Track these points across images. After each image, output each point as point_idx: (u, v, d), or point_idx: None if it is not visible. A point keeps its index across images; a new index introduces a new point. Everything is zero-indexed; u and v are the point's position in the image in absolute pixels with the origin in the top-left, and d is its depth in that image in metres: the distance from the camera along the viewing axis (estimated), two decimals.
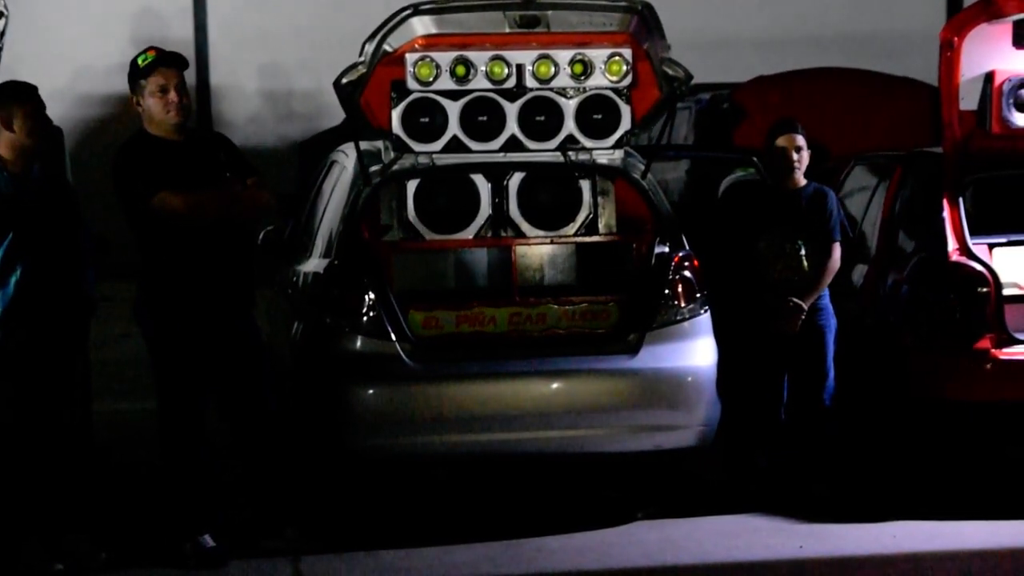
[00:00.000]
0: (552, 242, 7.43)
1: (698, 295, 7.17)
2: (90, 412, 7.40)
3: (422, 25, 7.18)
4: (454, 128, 7.23)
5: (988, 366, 7.29)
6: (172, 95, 6.57)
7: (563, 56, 7.21)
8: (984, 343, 7.30)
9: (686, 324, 7.13)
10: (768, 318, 7.51)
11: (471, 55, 7.17)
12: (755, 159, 8.54)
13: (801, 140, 7.58)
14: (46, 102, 6.62)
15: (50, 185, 6.63)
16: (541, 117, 7.27)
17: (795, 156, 7.56)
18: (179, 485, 6.64)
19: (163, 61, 6.60)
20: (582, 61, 7.21)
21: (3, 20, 6.92)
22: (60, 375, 6.56)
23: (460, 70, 7.17)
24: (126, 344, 10.52)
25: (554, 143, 7.32)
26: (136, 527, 7.07)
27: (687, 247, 7.27)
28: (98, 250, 6.95)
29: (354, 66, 7.16)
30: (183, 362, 6.61)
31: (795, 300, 7.44)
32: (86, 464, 7.09)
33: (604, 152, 7.36)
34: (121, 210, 6.63)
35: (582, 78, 7.24)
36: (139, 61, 6.62)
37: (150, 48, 6.69)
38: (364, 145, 7.41)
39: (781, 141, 7.57)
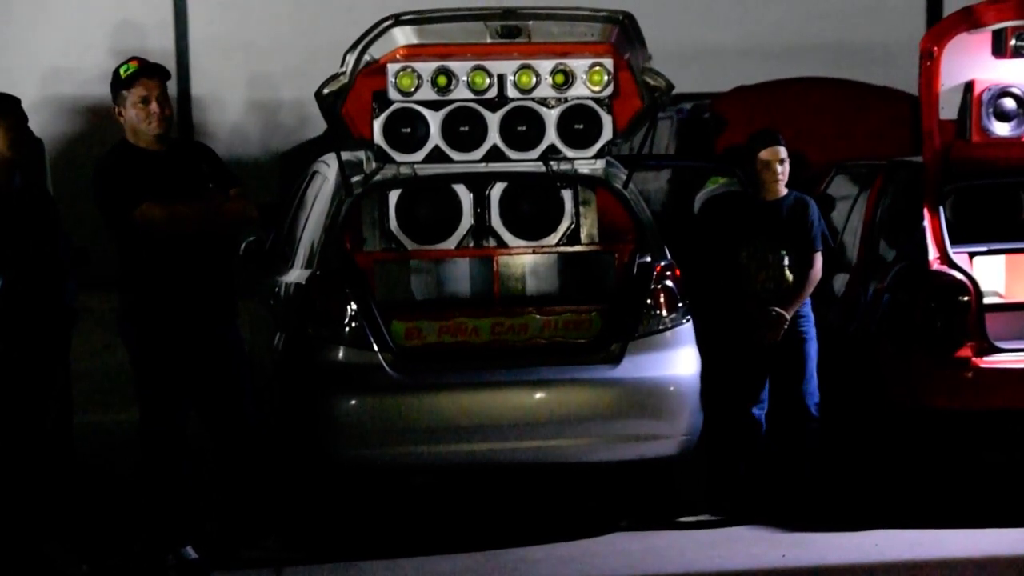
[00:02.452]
0: (534, 252, 7.43)
1: (680, 304, 7.18)
2: (71, 423, 7.38)
3: (403, 35, 7.19)
4: (436, 138, 7.23)
5: (969, 374, 7.31)
6: (153, 106, 6.57)
7: (545, 66, 7.22)
8: (965, 351, 7.32)
9: (668, 334, 7.14)
10: (750, 327, 7.52)
11: (452, 65, 7.18)
12: (735, 168, 8.56)
13: (783, 152, 7.60)
14: (28, 111, 6.60)
15: (30, 196, 6.62)
16: (523, 127, 7.27)
17: (779, 168, 7.57)
18: (160, 496, 6.62)
19: (145, 72, 6.60)
20: (563, 71, 7.22)
21: None
22: (41, 386, 6.54)
23: (441, 80, 7.17)
24: (107, 356, 10.50)
25: (536, 153, 7.32)
26: (118, 539, 7.04)
27: (668, 257, 7.28)
28: (78, 261, 6.93)
29: (335, 76, 7.16)
30: (165, 373, 6.59)
31: (777, 310, 7.46)
32: (68, 475, 7.07)
33: (586, 162, 7.37)
34: (102, 220, 6.61)
35: (563, 88, 7.25)
36: (121, 72, 6.62)
37: (132, 58, 6.69)
38: (346, 155, 7.41)
39: (765, 154, 7.57)
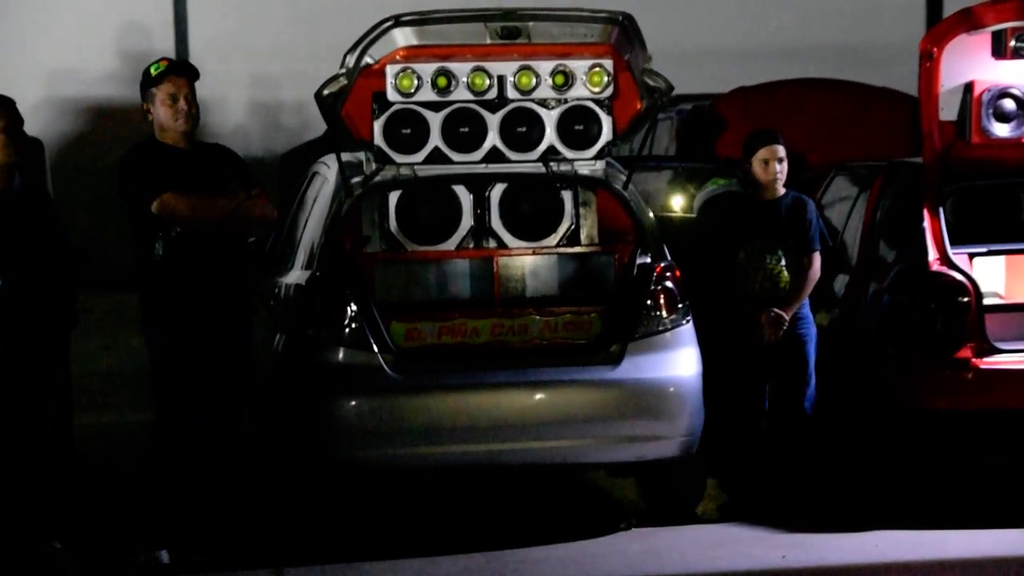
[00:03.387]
0: (534, 253, 7.43)
1: (680, 305, 7.18)
2: (72, 424, 7.39)
3: (403, 37, 7.19)
4: (435, 139, 7.24)
5: (969, 375, 7.31)
6: (181, 103, 6.63)
7: (544, 67, 7.22)
8: (964, 352, 7.32)
9: (668, 335, 7.14)
10: (749, 328, 7.52)
11: (452, 66, 7.18)
12: (735, 170, 8.56)
13: (782, 151, 7.60)
14: (27, 113, 6.62)
15: (30, 198, 6.62)
16: (522, 128, 7.28)
17: (777, 168, 7.58)
18: (159, 496, 6.60)
19: (174, 69, 6.68)
20: (563, 72, 7.22)
21: None
22: (42, 387, 6.55)
23: (441, 81, 7.18)
24: (107, 356, 10.50)
25: (535, 154, 7.32)
26: (118, 539, 7.04)
27: (668, 257, 7.28)
28: (79, 262, 6.94)
29: (335, 78, 7.17)
30: (186, 373, 6.59)
31: (776, 311, 7.46)
32: (68, 476, 7.07)
33: (586, 163, 7.37)
34: (124, 213, 6.64)
35: (563, 89, 7.25)
36: (151, 70, 6.71)
37: (163, 58, 6.80)
38: (346, 156, 7.41)
39: (763, 153, 7.58)
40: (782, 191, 7.66)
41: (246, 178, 6.79)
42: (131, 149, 6.73)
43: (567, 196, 7.46)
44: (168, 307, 6.60)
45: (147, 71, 6.72)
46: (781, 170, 7.59)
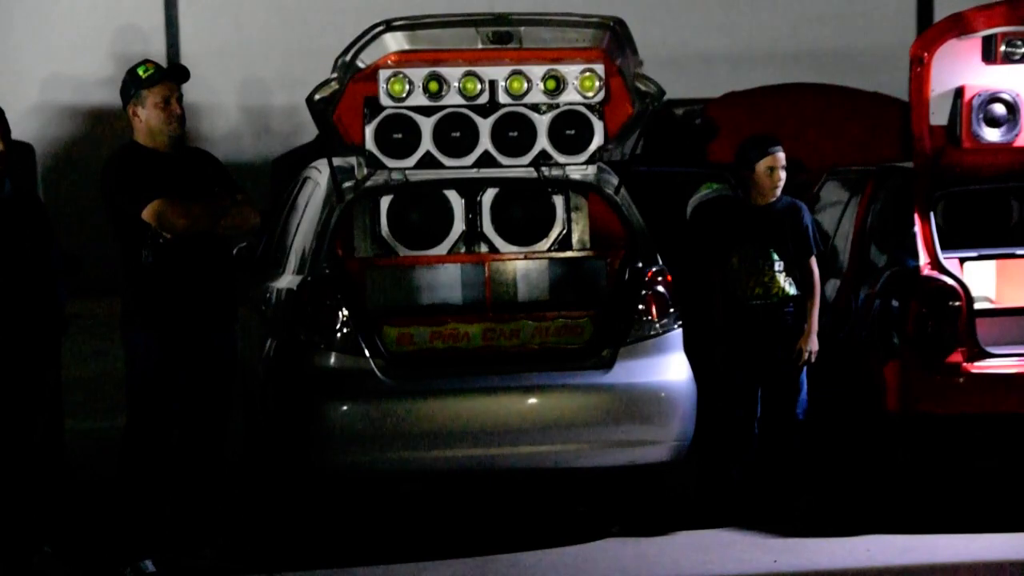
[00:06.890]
0: (525, 258, 7.43)
1: (671, 310, 7.19)
2: (62, 430, 7.37)
3: (395, 41, 7.19)
4: (427, 144, 7.24)
5: (960, 380, 7.33)
6: (174, 107, 6.60)
7: (536, 72, 7.23)
8: (956, 357, 7.33)
9: (659, 339, 7.15)
10: (741, 333, 7.52)
11: (444, 71, 7.18)
12: (728, 174, 8.56)
13: (784, 158, 7.58)
14: (19, 119, 6.61)
15: (21, 202, 6.61)
16: (514, 133, 7.28)
17: (782, 175, 7.56)
18: (133, 503, 6.57)
19: (169, 73, 6.63)
20: (555, 77, 7.23)
21: None
22: (32, 392, 6.54)
23: (433, 86, 7.18)
24: (98, 362, 10.49)
25: (527, 159, 7.32)
26: (111, 545, 7.03)
27: (660, 262, 7.28)
28: (70, 268, 6.93)
29: (327, 82, 7.17)
30: (162, 380, 6.58)
31: (811, 341, 7.43)
32: (58, 482, 7.06)
33: (577, 167, 7.38)
34: (110, 220, 6.61)
35: (555, 94, 7.25)
36: (140, 71, 6.62)
37: (146, 60, 6.71)
38: (337, 161, 7.40)
39: (769, 161, 7.54)
40: (777, 196, 7.66)
41: (229, 183, 6.78)
42: (115, 154, 6.68)
43: (558, 201, 7.47)
44: (155, 315, 6.58)
45: (135, 73, 6.63)
46: (783, 177, 7.58)
